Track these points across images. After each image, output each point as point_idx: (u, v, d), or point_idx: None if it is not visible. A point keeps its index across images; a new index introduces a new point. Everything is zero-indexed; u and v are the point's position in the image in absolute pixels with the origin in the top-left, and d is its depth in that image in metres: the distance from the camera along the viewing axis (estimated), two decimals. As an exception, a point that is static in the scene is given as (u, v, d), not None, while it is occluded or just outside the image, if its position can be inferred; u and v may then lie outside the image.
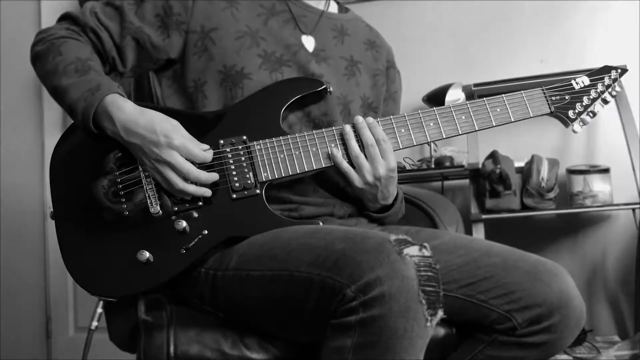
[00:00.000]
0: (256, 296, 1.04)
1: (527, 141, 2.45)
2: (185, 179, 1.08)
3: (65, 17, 1.22)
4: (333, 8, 1.35)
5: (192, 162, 1.08)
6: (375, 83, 1.33)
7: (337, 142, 1.15)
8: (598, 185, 2.20)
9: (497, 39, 2.57)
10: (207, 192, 1.10)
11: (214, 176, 1.11)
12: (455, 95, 2.31)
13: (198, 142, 1.10)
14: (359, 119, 1.15)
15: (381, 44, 1.38)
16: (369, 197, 1.19)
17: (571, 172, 2.26)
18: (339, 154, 1.14)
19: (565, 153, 2.47)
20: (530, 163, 2.21)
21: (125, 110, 1.09)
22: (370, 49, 1.34)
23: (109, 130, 1.10)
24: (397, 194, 1.26)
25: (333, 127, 1.16)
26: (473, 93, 2.30)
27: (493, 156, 2.22)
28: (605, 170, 2.22)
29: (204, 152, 1.09)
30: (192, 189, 1.09)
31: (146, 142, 1.07)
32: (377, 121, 1.16)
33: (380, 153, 1.14)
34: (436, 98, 2.33)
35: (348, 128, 1.15)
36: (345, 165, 1.14)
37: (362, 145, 1.14)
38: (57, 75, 1.12)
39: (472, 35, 2.60)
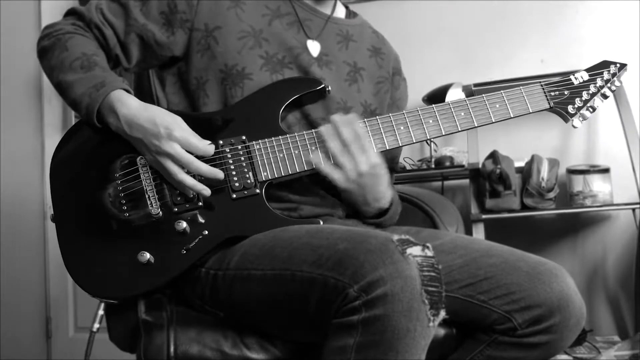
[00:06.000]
0: (257, 296, 1.04)
1: (527, 141, 2.46)
2: (186, 171, 1.08)
3: (71, 13, 1.23)
4: (340, 12, 1.34)
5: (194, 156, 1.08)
6: (379, 90, 1.32)
7: (318, 145, 1.13)
8: (598, 185, 2.20)
9: (497, 39, 2.57)
10: (206, 191, 1.09)
11: (216, 172, 1.09)
12: (455, 95, 2.31)
13: (199, 136, 1.10)
14: (335, 117, 1.13)
15: (387, 51, 1.38)
16: (359, 200, 1.17)
17: (571, 172, 2.26)
18: (317, 158, 1.12)
19: (565, 153, 2.47)
20: (530, 163, 2.22)
21: (129, 106, 1.09)
22: (375, 56, 1.34)
23: (113, 126, 1.11)
24: (392, 198, 1.24)
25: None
26: (473, 93, 2.30)
27: (493, 156, 2.22)
28: (605, 170, 2.22)
29: (205, 145, 1.09)
30: (190, 181, 1.08)
31: (147, 135, 1.07)
32: (365, 120, 1.14)
33: (360, 149, 1.12)
34: (436, 98, 2.33)
35: (324, 129, 1.13)
36: (325, 168, 1.12)
37: (342, 144, 1.11)
38: (63, 70, 1.13)
39: (472, 35, 2.61)
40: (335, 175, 1.11)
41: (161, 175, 1.12)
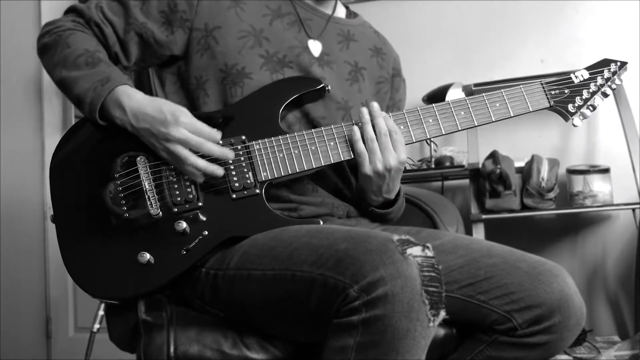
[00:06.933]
0: (257, 296, 1.04)
1: (527, 141, 2.46)
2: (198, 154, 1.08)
3: (71, 10, 1.23)
4: (341, 13, 1.34)
5: None
6: (379, 90, 1.33)
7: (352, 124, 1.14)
8: (598, 185, 2.20)
9: (497, 39, 2.57)
10: (220, 170, 1.09)
11: (227, 152, 1.10)
12: (455, 95, 2.31)
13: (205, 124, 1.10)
14: (375, 105, 1.14)
15: (388, 51, 1.38)
16: (373, 189, 1.18)
17: (571, 172, 2.26)
18: (357, 134, 1.13)
19: (565, 153, 2.47)
20: (530, 163, 2.22)
21: (136, 98, 1.09)
22: (376, 56, 1.34)
23: (119, 120, 1.10)
24: (399, 190, 1.26)
25: (332, 126, 1.16)
26: (473, 93, 2.30)
27: (493, 156, 2.22)
28: (605, 170, 2.22)
29: (213, 130, 1.09)
30: (203, 163, 1.08)
31: (155, 124, 1.07)
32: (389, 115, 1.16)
33: (392, 144, 1.13)
34: (436, 98, 2.33)
35: (365, 111, 1.14)
36: (360, 146, 1.13)
37: (376, 132, 1.13)
38: (67, 67, 1.13)
39: (472, 35, 2.61)
40: (364, 157, 1.13)
41: (161, 175, 1.12)
